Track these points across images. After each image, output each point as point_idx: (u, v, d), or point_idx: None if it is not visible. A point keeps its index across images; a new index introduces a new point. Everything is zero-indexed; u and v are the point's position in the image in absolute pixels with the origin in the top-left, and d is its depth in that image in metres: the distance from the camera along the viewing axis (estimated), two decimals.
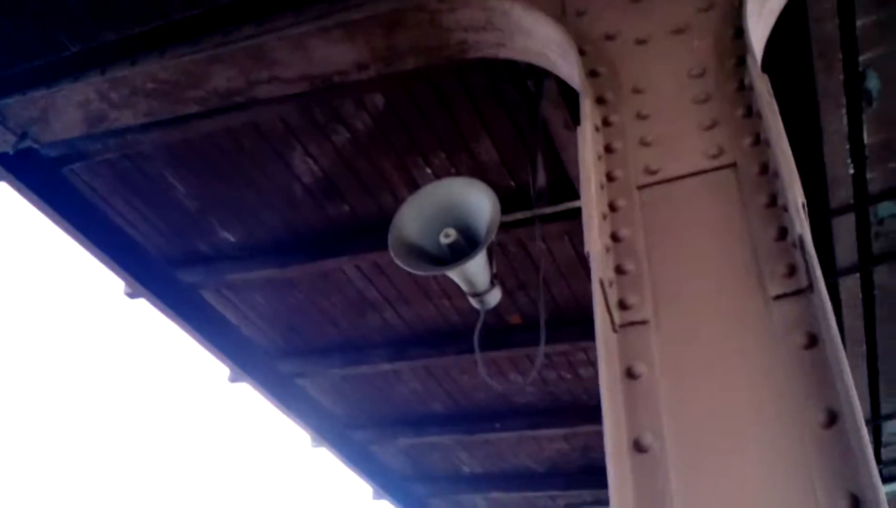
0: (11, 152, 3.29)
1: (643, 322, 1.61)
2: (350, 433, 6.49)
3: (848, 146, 3.40)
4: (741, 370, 1.50)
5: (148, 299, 4.99)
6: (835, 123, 3.29)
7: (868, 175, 3.52)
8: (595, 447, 6.36)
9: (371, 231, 4.47)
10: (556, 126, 3.28)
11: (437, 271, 2.87)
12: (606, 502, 4.85)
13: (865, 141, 3.40)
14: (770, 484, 1.30)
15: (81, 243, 4.51)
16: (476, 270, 2.93)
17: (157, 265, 4.89)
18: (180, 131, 3.78)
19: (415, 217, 2.90)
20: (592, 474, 6.71)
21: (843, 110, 3.28)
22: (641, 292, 1.66)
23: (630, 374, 1.58)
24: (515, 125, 3.77)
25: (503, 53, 2.46)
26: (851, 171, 3.49)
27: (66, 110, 3.09)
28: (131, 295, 5.03)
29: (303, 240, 4.59)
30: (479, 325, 3.16)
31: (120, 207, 4.50)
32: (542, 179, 3.13)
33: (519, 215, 3.09)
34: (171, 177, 4.26)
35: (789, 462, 1.30)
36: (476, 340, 3.08)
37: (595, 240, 1.67)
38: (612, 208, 1.78)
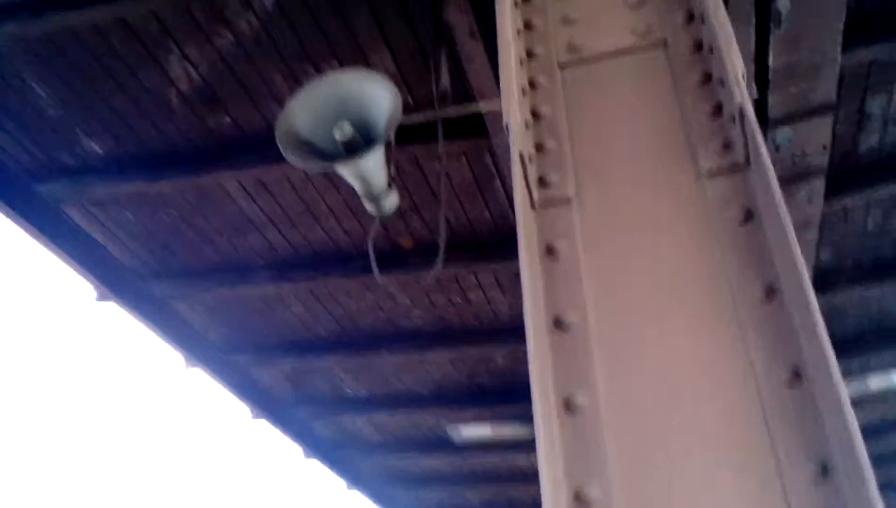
0: None
1: (565, 200, 1.51)
2: (229, 356, 6.23)
3: (754, 68, 3.35)
4: (671, 247, 1.44)
5: (3, 213, 4.51)
6: (743, 42, 3.21)
7: (770, 99, 3.49)
8: (480, 371, 6.37)
9: (255, 145, 4.15)
10: (461, 35, 3.06)
11: (330, 167, 2.63)
12: (487, 419, 4.83)
13: (770, 64, 3.35)
14: (705, 361, 1.25)
15: None
16: (372, 167, 2.71)
17: (14, 177, 4.40)
18: (39, 26, 3.33)
19: (306, 110, 2.64)
20: (476, 396, 6.75)
21: (752, 30, 3.21)
22: (563, 170, 1.55)
23: (550, 252, 1.49)
24: (417, 38, 3.52)
25: None
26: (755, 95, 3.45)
27: None
28: None
29: (179, 153, 4.21)
30: (372, 230, 2.96)
31: None
32: (445, 79, 2.92)
33: (420, 117, 2.87)
34: (31, 79, 3.77)
35: (725, 337, 1.25)
36: (371, 249, 2.89)
37: (514, 111, 1.54)
38: (532, 85, 1.66)
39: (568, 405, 1.31)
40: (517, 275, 4.81)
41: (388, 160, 2.96)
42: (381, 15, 3.40)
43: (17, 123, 4.05)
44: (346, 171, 2.82)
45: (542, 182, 1.52)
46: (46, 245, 4.81)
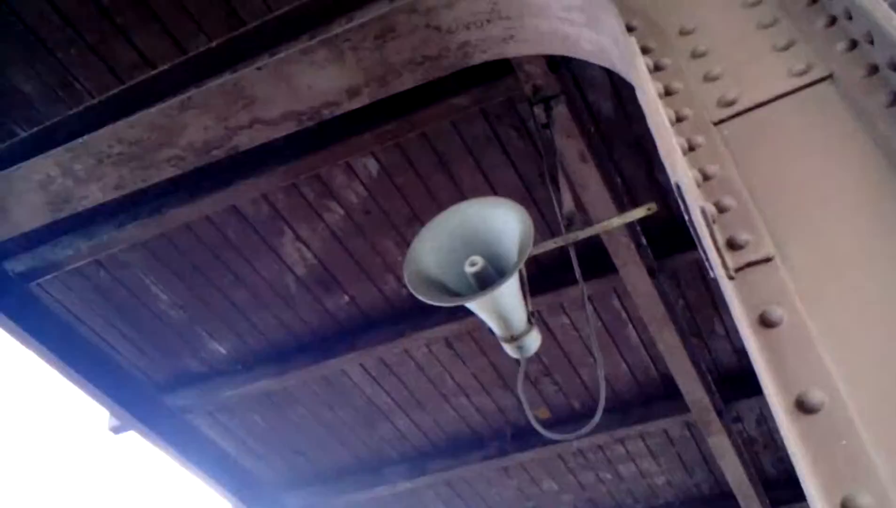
0: None
1: (766, 260, 1.25)
2: None
3: None
4: None
5: (137, 431, 4.50)
6: None
7: None
8: None
9: (375, 322, 4.07)
10: (571, 159, 2.95)
11: (464, 301, 2.44)
12: None
13: None
14: None
15: (61, 372, 4.08)
16: (509, 301, 2.50)
17: (141, 388, 4.42)
18: (157, 224, 3.43)
19: (433, 248, 2.50)
20: None
21: None
22: (754, 228, 1.31)
23: (765, 323, 1.20)
24: (522, 179, 3.44)
25: (512, 49, 2.16)
26: None
27: (25, 194, 2.73)
28: (117, 429, 4.54)
29: (301, 342, 4.16)
30: (521, 373, 2.70)
31: (99, 327, 4.09)
32: (568, 202, 2.76)
33: (550, 244, 2.69)
34: (152, 284, 3.87)
35: None
36: (520, 389, 2.62)
37: (682, 165, 1.34)
38: (690, 147, 1.44)
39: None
40: (668, 438, 4.36)
41: (525, 295, 2.78)
42: (483, 160, 3.36)
43: (141, 332, 4.12)
44: (482, 307, 2.64)
45: (731, 245, 1.32)
46: (182, 461, 4.74)
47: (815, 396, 1.11)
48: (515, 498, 5.25)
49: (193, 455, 4.72)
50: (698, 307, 3.95)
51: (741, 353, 4.19)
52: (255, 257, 3.74)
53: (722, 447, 4.35)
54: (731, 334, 4.06)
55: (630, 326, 4.06)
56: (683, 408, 4.25)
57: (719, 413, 4.20)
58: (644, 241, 3.53)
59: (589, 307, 3.88)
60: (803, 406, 1.12)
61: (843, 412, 1.08)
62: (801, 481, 1.11)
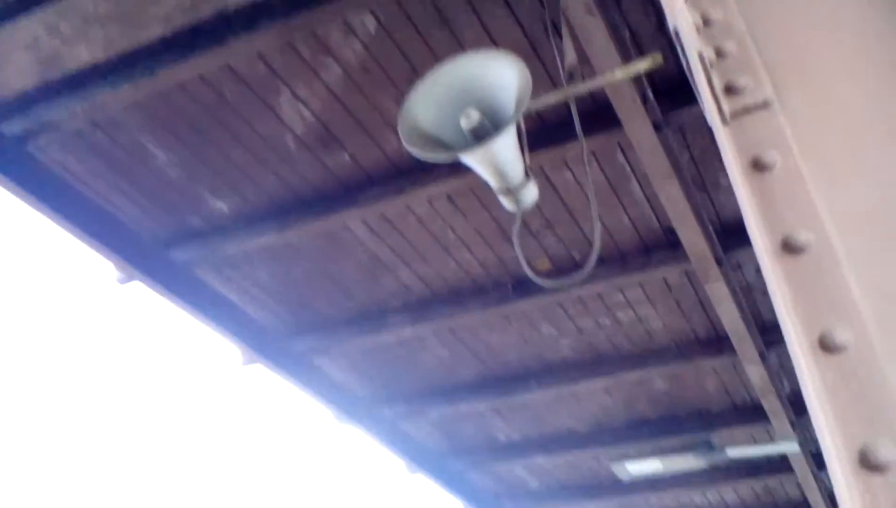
0: None
1: (763, 105, 1.23)
2: (377, 409, 6.08)
3: None
4: None
5: (143, 282, 4.58)
6: None
7: None
8: (638, 397, 5.94)
9: (376, 179, 4.04)
10: (576, 11, 2.82)
11: (459, 155, 2.42)
12: (651, 454, 4.38)
13: None
14: None
15: (64, 228, 4.11)
16: (505, 154, 2.48)
17: (148, 246, 4.46)
18: (150, 84, 3.33)
19: (428, 102, 2.45)
20: (638, 427, 6.30)
21: None
22: (753, 72, 1.28)
23: (758, 166, 1.20)
24: (525, 32, 3.31)
25: None
26: None
27: (14, 55, 2.66)
28: (123, 280, 4.62)
29: (303, 199, 4.15)
30: (516, 225, 2.72)
31: (100, 187, 4.06)
32: (571, 55, 2.68)
33: (550, 98, 2.63)
34: (150, 143, 3.81)
35: None
36: (516, 240, 2.64)
37: (682, 9, 1.29)
38: None
39: (825, 345, 1.04)
40: (667, 286, 4.42)
41: (523, 149, 2.75)
42: (485, 14, 3.22)
43: (142, 192, 4.10)
44: (477, 160, 2.61)
45: (729, 89, 1.28)
46: (190, 312, 4.85)
47: (802, 236, 1.11)
48: (514, 343, 5.42)
49: (199, 305, 4.83)
50: (703, 161, 3.92)
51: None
52: (252, 116, 3.66)
53: (720, 293, 4.44)
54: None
55: (634, 180, 4.04)
56: (683, 258, 4.30)
57: (718, 262, 4.26)
58: (650, 95, 3.44)
59: (588, 162, 3.86)
60: (789, 246, 1.12)
61: (829, 252, 1.09)
62: (780, 320, 1.13)
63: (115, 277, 4.66)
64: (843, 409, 0.97)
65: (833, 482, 0.96)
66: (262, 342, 5.25)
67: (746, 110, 1.24)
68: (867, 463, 0.91)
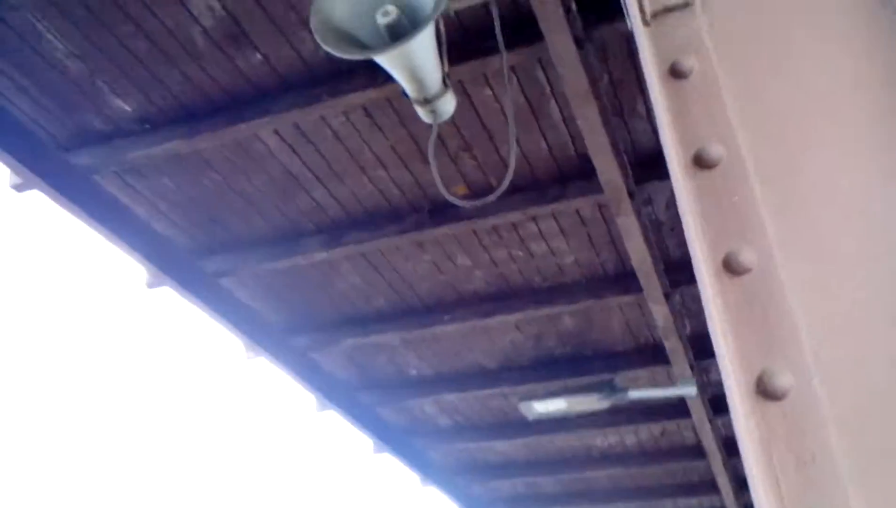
0: None
1: (683, 5, 1.18)
2: (287, 338, 5.98)
3: None
4: (835, 46, 1.12)
5: (41, 190, 4.33)
6: None
7: None
8: (548, 333, 5.99)
9: (291, 85, 3.89)
10: None
11: (373, 54, 2.32)
12: (558, 394, 4.38)
13: None
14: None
15: None
16: (423, 57, 2.39)
17: (45, 148, 4.21)
18: None
19: None
20: (545, 365, 6.37)
21: None
22: None
23: (675, 73, 1.15)
24: None
25: None
26: None
27: None
28: (20, 187, 4.36)
29: (212, 101, 3.97)
30: (432, 137, 2.64)
31: None
32: None
33: None
34: (46, 30, 3.57)
35: None
36: (431, 155, 2.56)
37: None
38: None
39: (730, 266, 1.00)
40: (580, 218, 4.41)
41: (442, 55, 2.65)
42: None
43: (40, 86, 3.86)
44: (393, 62, 2.50)
45: None
46: (90, 224, 4.62)
47: (714, 151, 1.08)
48: (428, 273, 5.37)
49: (103, 218, 4.60)
50: (623, 85, 3.90)
51: (658, 135, 4.21)
52: (156, 3, 3.46)
53: (630, 227, 4.46)
54: (651, 114, 4.05)
55: (553, 101, 3.99)
56: (597, 189, 4.29)
57: (630, 194, 4.27)
58: (574, 7, 3.38)
59: (508, 79, 3.79)
60: (700, 161, 1.10)
61: (741, 168, 1.05)
62: (687, 239, 1.10)
63: (10, 182, 4.41)
64: (744, 335, 0.95)
65: (731, 409, 0.94)
66: (168, 260, 5.06)
67: (668, 10, 1.19)
68: (764, 391, 0.89)
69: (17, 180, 4.33)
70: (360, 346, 6.16)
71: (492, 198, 3.22)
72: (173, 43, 3.64)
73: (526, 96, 3.95)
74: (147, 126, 4.09)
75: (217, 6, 3.48)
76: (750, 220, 1.01)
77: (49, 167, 4.25)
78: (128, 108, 4.01)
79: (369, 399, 6.91)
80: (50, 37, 3.60)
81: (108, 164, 4.32)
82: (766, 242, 0.99)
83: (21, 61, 3.72)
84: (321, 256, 5.06)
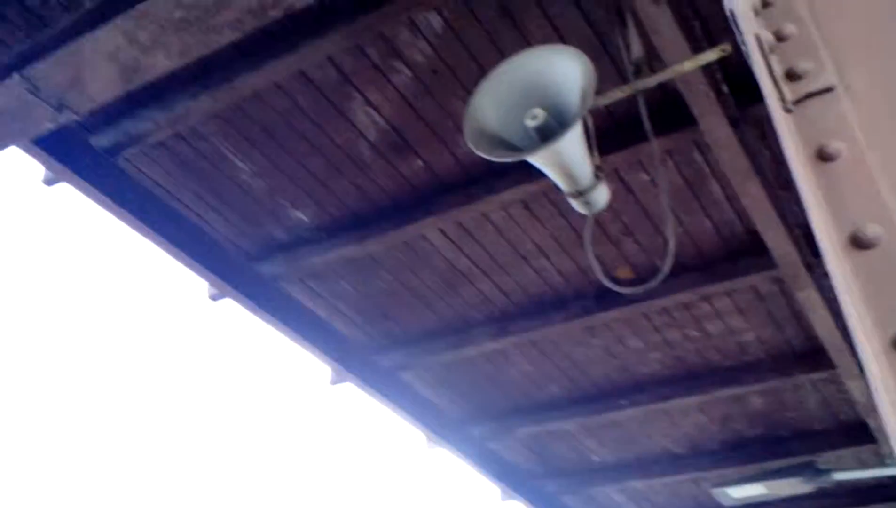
0: (52, 126, 3.05)
1: (827, 90, 1.17)
2: (464, 428, 6.05)
3: None
4: None
5: (234, 299, 4.73)
6: None
7: None
8: (735, 415, 5.70)
9: (450, 187, 4.07)
10: (643, 3, 2.78)
11: (525, 156, 2.41)
12: (755, 478, 4.15)
13: None
14: None
15: (158, 244, 4.29)
16: (573, 153, 2.45)
17: (237, 260, 4.61)
18: (228, 94, 3.49)
19: (493, 102, 2.46)
20: (736, 448, 6.04)
21: None
22: (815, 56, 1.21)
23: (823, 156, 1.14)
24: (592, 27, 3.29)
25: None
26: None
27: (97, 66, 2.80)
28: (215, 297, 4.79)
29: (379, 207, 4.22)
30: (588, 228, 2.66)
31: (187, 198, 4.24)
32: (637, 48, 2.64)
33: (616, 93, 2.58)
34: (231, 154, 3.96)
35: None
36: (588, 245, 2.59)
37: None
38: None
39: None
40: (758, 295, 4.25)
41: (591, 148, 2.71)
42: (550, 8, 3.22)
43: (229, 205, 4.25)
44: (544, 161, 2.60)
45: (790, 75, 1.22)
46: (280, 329, 4.97)
47: (872, 230, 1.06)
48: (600, 357, 5.30)
49: (288, 320, 4.94)
50: (784, 158, 3.76)
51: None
52: (326, 123, 3.76)
53: (812, 301, 4.23)
54: None
55: (713, 180, 3.92)
56: (771, 264, 4.13)
57: (808, 267, 4.07)
58: (725, 88, 3.35)
59: (661, 162, 3.77)
60: (858, 242, 1.07)
61: None
62: (847, 320, 1.08)
63: (208, 293, 4.84)
64: None
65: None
66: (349, 357, 5.32)
67: (809, 96, 1.19)
68: None
69: (214, 291, 4.75)
70: (536, 434, 6.12)
71: (653, 284, 3.19)
72: (343, 157, 3.93)
73: (684, 177, 3.90)
74: (323, 234, 4.38)
75: (380, 120, 3.73)
76: None
77: (241, 278, 4.64)
78: (305, 218, 4.33)
79: (554, 488, 6.80)
80: (235, 160, 3.99)
81: (292, 271, 4.65)
82: None
83: (211, 183, 4.13)
84: (491, 346, 5.14)
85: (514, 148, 2.61)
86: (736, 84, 3.37)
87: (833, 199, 1.11)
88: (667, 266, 3.10)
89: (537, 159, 2.61)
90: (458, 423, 6.02)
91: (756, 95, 3.42)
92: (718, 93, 3.32)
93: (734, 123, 3.40)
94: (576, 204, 2.87)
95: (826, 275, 4.33)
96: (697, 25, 3.23)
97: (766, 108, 3.19)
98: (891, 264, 1.02)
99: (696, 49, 3.14)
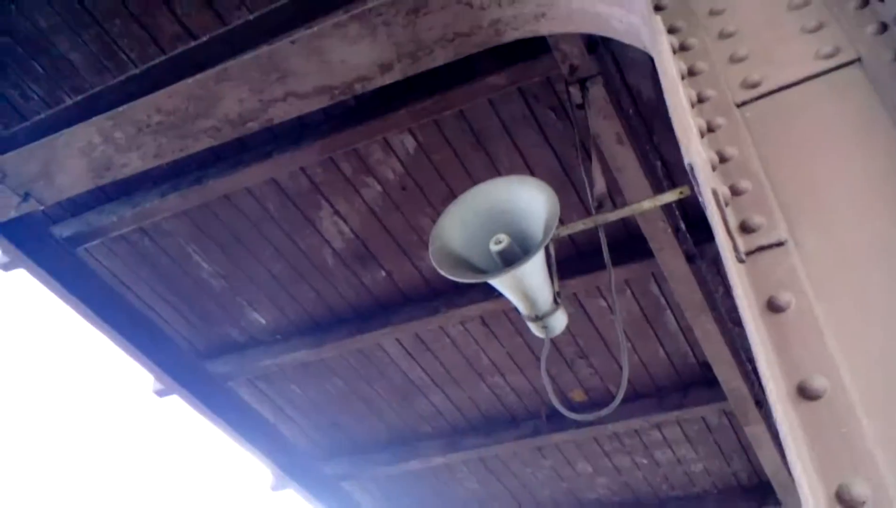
0: (14, 214, 3.01)
1: (778, 244, 1.23)
2: None
3: None
4: None
5: (180, 395, 4.61)
6: None
7: None
8: None
9: (412, 299, 4.09)
10: (608, 141, 2.90)
11: (487, 278, 2.44)
12: None
13: None
14: None
15: (108, 335, 4.19)
16: (534, 279, 2.49)
17: (187, 357, 4.52)
18: (198, 194, 3.50)
19: (459, 225, 2.50)
20: None
21: None
22: (768, 212, 1.28)
23: (773, 307, 1.19)
24: (559, 160, 3.41)
25: (545, 27, 2.13)
26: None
27: (68, 160, 2.80)
28: (161, 392, 4.66)
29: (338, 315, 4.20)
30: (544, 352, 2.68)
31: (144, 292, 4.19)
32: (600, 184, 2.73)
33: (578, 225, 2.65)
34: (194, 252, 3.95)
35: None
36: (543, 369, 2.60)
37: (697, 148, 1.32)
38: (710, 128, 1.42)
39: (843, 500, 1.02)
40: (707, 426, 4.27)
41: (552, 275, 2.76)
42: (520, 139, 3.34)
43: (183, 300, 4.21)
44: (505, 285, 2.63)
45: (744, 228, 1.30)
46: (225, 429, 4.83)
47: (818, 382, 1.09)
48: (548, 479, 5.25)
49: (233, 421, 4.81)
50: None
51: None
52: (293, 230, 3.79)
53: (760, 437, 4.27)
54: None
55: (668, 311, 4.00)
56: (721, 396, 4.18)
57: (758, 403, 4.13)
58: (683, 226, 3.46)
59: (619, 292, 3.85)
60: (805, 392, 1.11)
61: (845, 400, 1.06)
62: (792, 469, 1.09)
63: (154, 388, 4.71)
64: None
65: None
66: (292, 463, 5.18)
67: (761, 249, 1.25)
68: None
69: (160, 386, 4.63)
70: None
71: (605, 412, 3.20)
72: (307, 263, 3.94)
73: (640, 306, 3.98)
74: (279, 337, 4.34)
75: (347, 230, 3.77)
76: (860, 452, 1.00)
77: (189, 375, 4.53)
78: (263, 320, 4.29)
79: None
80: (198, 259, 3.97)
81: (242, 371, 4.58)
82: (879, 475, 0.97)
83: (171, 280, 4.09)
84: (439, 460, 5.06)
85: (477, 270, 2.65)
86: (694, 221, 3.50)
87: (781, 349, 1.16)
88: (620, 395, 3.11)
89: (499, 283, 2.64)
90: None
91: (713, 234, 3.56)
92: (676, 230, 3.43)
93: (691, 258, 3.50)
94: (534, 328, 2.89)
95: None
96: (659, 166, 3.37)
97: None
98: (836, 417, 1.05)
99: (657, 187, 3.27)
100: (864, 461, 0.98)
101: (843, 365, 1.08)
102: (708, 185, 1.32)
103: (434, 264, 2.54)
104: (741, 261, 1.28)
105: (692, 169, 1.44)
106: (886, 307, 1.13)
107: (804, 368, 1.10)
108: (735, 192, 1.33)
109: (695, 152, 1.34)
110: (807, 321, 1.15)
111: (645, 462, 5.00)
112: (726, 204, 1.33)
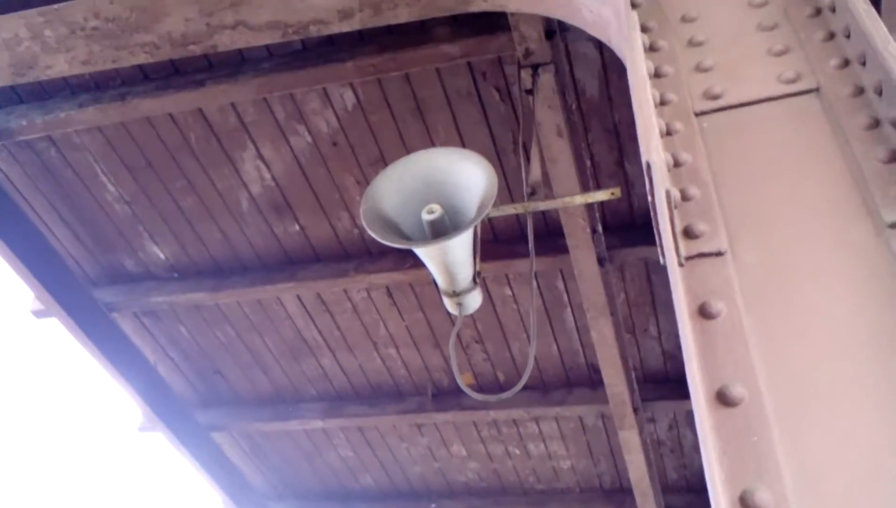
0: None
1: (717, 254, 1.28)
2: (268, 504, 5.81)
3: None
4: (851, 306, 1.20)
5: (59, 318, 4.40)
6: None
7: None
8: None
9: (321, 258, 4.04)
10: (548, 131, 2.95)
11: (414, 246, 2.44)
12: None
13: None
14: None
15: None
16: (459, 255, 2.50)
17: (74, 281, 4.32)
18: (118, 111, 3.35)
19: (394, 188, 2.49)
20: None
21: None
22: (712, 220, 1.33)
23: (704, 313, 1.24)
24: (494, 141, 3.44)
25: (514, 3, 2.15)
26: None
27: None
28: (39, 313, 4.44)
29: (242, 262, 4.11)
30: (455, 330, 2.71)
31: (40, 206, 3.98)
32: (536, 172, 2.77)
33: (509, 208, 2.68)
34: (102, 172, 3.78)
35: None
36: (452, 346, 2.62)
37: (657, 147, 1.35)
38: (668, 132, 1.46)
39: (745, 503, 1.06)
40: (582, 425, 4.41)
41: (475, 254, 2.78)
42: (460, 114, 3.35)
43: (81, 221, 4.02)
44: (431, 255, 2.63)
45: (687, 233, 1.35)
46: (101, 361, 4.65)
47: (736, 390, 1.14)
48: (422, 457, 5.30)
49: (111, 354, 4.63)
50: (637, 305, 4.02)
51: (668, 356, 4.29)
52: (212, 166, 3.68)
53: (631, 442, 4.44)
54: (663, 336, 4.14)
55: (569, 310, 4.11)
56: (602, 399, 4.32)
57: (635, 410, 4.29)
58: (600, 228, 3.56)
59: (527, 282, 3.92)
60: (723, 399, 1.15)
61: (760, 409, 1.11)
62: (705, 471, 1.14)
63: (32, 307, 4.49)
64: None
65: None
66: (165, 407, 5.03)
67: (701, 256, 1.30)
68: None
69: (39, 307, 4.41)
70: None
71: (507, 395, 3.26)
72: (219, 203, 3.83)
73: (544, 300, 4.07)
74: (176, 275, 4.21)
75: (268, 176, 3.69)
76: (767, 461, 1.05)
77: (72, 299, 4.33)
78: (162, 255, 4.15)
79: None
80: (104, 179, 3.80)
81: (130, 304, 4.41)
82: (781, 485, 1.02)
83: (71, 197, 3.90)
84: (318, 423, 5.03)
85: (405, 236, 2.64)
86: (611, 226, 3.60)
87: (707, 354, 1.21)
88: (523, 380, 3.16)
89: (424, 253, 2.65)
90: (261, 497, 5.79)
91: (626, 241, 3.67)
92: (594, 231, 3.52)
93: (601, 261, 3.60)
94: (449, 304, 2.90)
95: (648, 421, 4.59)
96: (589, 165, 3.45)
97: (632, 254, 3.40)
98: (749, 424, 1.11)
99: (585, 185, 3.35)
100: (770, 469, 1.03)
101: (763, 376, 1.14)
102: (662, 185, 1.36)
103: (363, 223, 2.52)
104: (681, 265, 1.33)
105: (649, 167, 1.48)
106: (809, 326, 1.19)
107: (726, 375, 1.15)
108: (684, 197, 1.38)
109: (654, 151, 1.38)
110: (734, 331, 1.20)
111: (517, 452, 5.11)
112: (675, 207, 1.38)
